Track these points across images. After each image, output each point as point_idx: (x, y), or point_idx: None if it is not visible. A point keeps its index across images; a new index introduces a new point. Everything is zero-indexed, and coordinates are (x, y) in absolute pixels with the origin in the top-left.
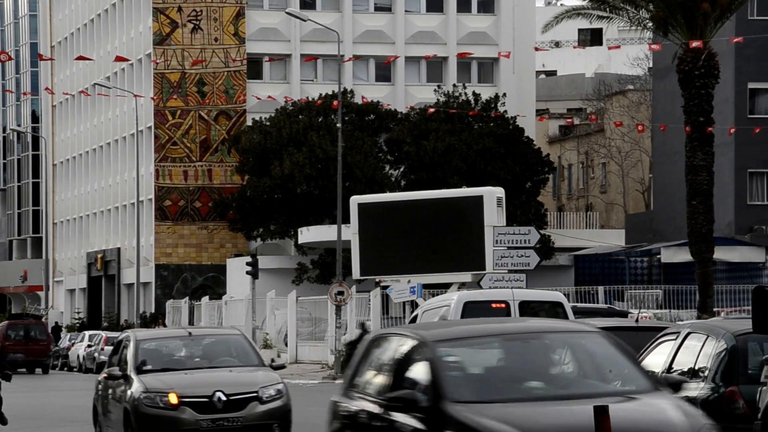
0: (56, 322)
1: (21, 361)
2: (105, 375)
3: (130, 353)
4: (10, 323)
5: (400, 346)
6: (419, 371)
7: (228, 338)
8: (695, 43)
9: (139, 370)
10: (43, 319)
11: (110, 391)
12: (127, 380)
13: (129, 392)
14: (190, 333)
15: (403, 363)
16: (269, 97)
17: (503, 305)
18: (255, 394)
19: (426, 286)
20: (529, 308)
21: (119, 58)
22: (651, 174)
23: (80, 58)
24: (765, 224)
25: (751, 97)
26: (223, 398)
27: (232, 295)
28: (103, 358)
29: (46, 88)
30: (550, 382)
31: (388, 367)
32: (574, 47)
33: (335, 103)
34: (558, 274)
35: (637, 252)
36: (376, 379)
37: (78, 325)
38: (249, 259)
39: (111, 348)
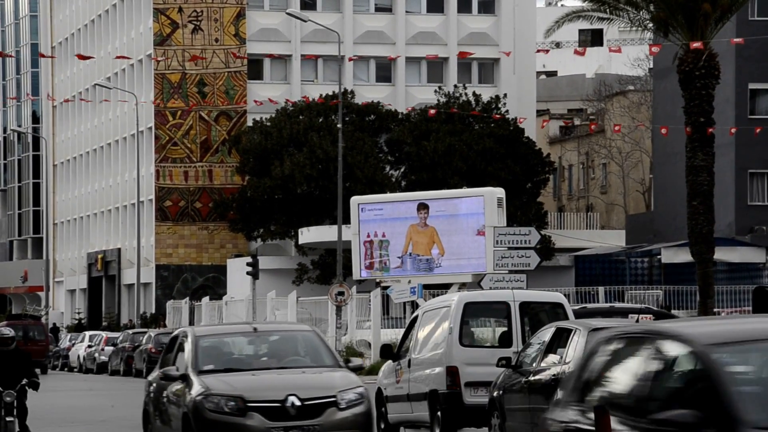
0: (54, 323)
1: None
2: (160, 375)
3: (188, 351)
4: (8, 324)
5: (654, 349)
6: (692, 385)
7: (298, 335)
8: (696, 44)
9: (200, 371)
10: (42, 320)
11: (165, 393)
12: (187, 381)
13: (189, 395)
14: (255, 328)
15: (662, 373)
16: (270, 100)
17: (503, 306)
18: (333, 399)
19: (426, 287)
20: (529, 309)
21: (120, 57)
22: (651, 174)
23: (80, 56)
24: (765, 225)
25: (752, 98)
26: (297, 403)
27: (233, 296)
28: (104, 358)
29: (48, 96)
30: None
31: (638, 376)
32: (575, 51)
33: (334, 101)
34: (558, 275)
35: (637, 252)
36: (616, 391)
37: (75, 325)
38: (249, 259)
39: (112, 348)
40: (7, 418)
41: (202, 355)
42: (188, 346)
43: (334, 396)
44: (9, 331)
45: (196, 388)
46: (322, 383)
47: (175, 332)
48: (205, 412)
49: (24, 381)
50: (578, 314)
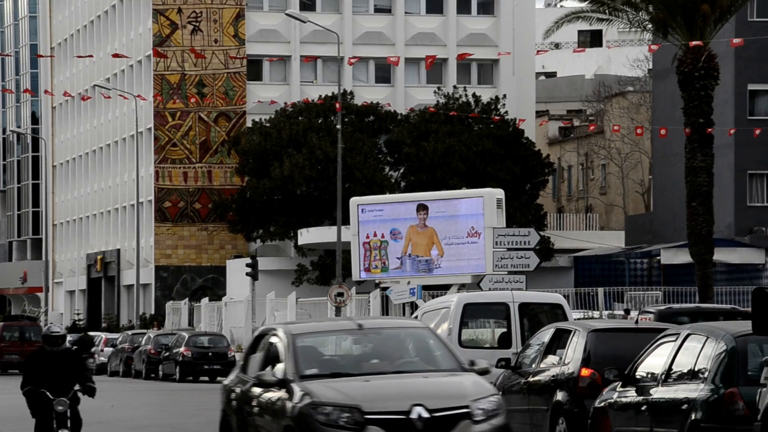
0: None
1: (16, 362)
2: (253, 381)
3: (283, 353)
4: (5, 325)
5: None
6: None
7: (410, 332)
8: (695, 45)
9: (302, 375)
10: (39, 321)
11: (256, 401)
12: (286, 388)
13: (291, 405)
14: (360, 325)
15: None
16: (272, 102)
17: (503, 307)
18: (466, 410)
19: (425, 288)
20: (528, 310)
21: (118, 55)
22: (651, 175)
23: (80, 56)
24: (765, 225)
25: (751, 99)
26: (425, 415)
27: (232, 297)
28: (103, 359)
29: (46, 91)
30: None
31: None
32: (575, 51)
33: (338, 106)
34: (558, 276)
35: (636, 253)
36: None
37: (70, 326)
38: (249, 260)
39: (111, 350)
40: (60, 431)
41: (303, 357)
42: (282, 346)
43: (467, 406)
44: (59, 329)
45: (301, 397)
46: (451, 391)
47: (260, 330)
48: (315, 425)
49: (76, 387)
50: (664, 314)
